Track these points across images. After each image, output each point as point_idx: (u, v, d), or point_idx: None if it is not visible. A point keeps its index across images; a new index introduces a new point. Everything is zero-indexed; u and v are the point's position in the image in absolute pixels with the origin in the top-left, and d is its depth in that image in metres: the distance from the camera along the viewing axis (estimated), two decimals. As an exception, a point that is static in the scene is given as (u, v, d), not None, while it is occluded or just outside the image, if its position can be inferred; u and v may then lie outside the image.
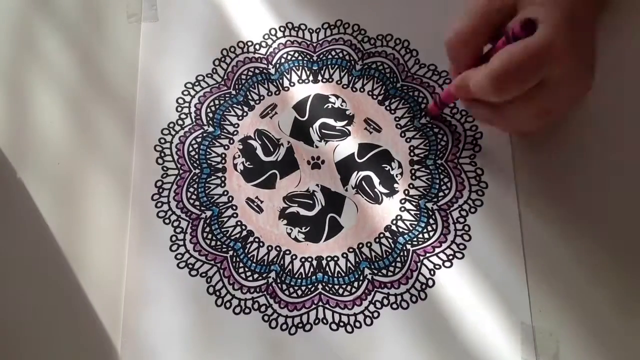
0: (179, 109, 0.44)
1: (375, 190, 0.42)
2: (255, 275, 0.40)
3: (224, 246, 0.41)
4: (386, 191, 0.42)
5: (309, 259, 0.40)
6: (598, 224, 0.40)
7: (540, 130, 0.41)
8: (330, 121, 0.44)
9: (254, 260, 0.41)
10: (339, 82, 0.45)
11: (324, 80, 0.45)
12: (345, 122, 0.44)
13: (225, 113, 0.44)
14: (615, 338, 0.38)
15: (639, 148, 0.41)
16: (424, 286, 0.39)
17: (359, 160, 0.43)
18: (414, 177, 0.42)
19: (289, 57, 0.45)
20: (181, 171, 0.43)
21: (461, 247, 0.40)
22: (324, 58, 0.45)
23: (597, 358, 0.38)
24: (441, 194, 0.41)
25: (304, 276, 0.40)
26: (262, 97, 0.44)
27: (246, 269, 0.40)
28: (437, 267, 0.40)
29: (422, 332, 0.38)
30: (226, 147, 0.43)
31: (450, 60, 0.38)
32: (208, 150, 0.43)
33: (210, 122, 0.44)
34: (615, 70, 0.42)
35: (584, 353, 0.38)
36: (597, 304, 0.38)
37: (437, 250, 0.40)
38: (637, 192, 0.40)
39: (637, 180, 0.40)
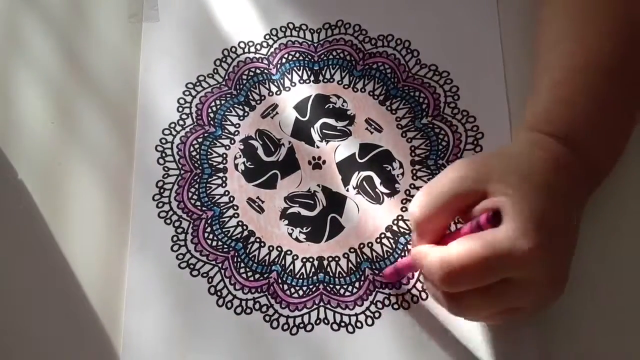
0: (180, 109, 0.44)
1: (377, 190, 0.42)
2: (257, 276, 0.40)
3: (225, 246, 0.41)
4: (387, 191, 0.42)
5: (310, 259, 0.40)
6: (599, 220, 0.40)
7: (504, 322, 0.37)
8: (331, 121, 0.44)
9: (255, 261, 0.41)
10: (340, 82, 0.45)
11: (325, 80, 0.45)
12: (346, 122, 0.44)
13: (226, 113, 0.44)
14: (616, 336, 0.38)
15: None
16: (425, 286, 0.39)
17: (360, 161, 0.43)
18: (415, 178, 0.42)
19: (290, 57, 0.45)
20: (182, 171, 0.43)
21: (462, 247, 0.40)
22: (325, 58, 0.45)
23: (597, 356, 0.38)
24: (442, 194, 0.41)
25: (305, 276, 0.40)
26: (263, 97, 0.44)
27: (247, 269, 0.40)
28: (439, 267, 0.40)
29: (423, 332, 0.38)
30: (227, 147, 0.43)
31: (412, 229, 0.36)
32: (209, 150, 0.43)
33: (212, 122, 0.44)
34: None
35: (584, 352, 0.38)
36: (598, 302, 0.38)
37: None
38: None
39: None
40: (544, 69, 0.39)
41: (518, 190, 0.32)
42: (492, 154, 0.36)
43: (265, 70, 0.45)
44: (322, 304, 0.39)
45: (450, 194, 0.34)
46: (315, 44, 0.46)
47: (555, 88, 0.37)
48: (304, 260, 0.40)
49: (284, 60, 0.45)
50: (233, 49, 0.46)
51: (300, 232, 0.41)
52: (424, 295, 0.39)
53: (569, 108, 0.36)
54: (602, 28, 0.38)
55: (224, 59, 0.45)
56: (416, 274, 0.39)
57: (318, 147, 0.43)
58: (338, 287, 0.40)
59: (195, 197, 0.42)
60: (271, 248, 0.41)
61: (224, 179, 0.43)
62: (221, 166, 0.43)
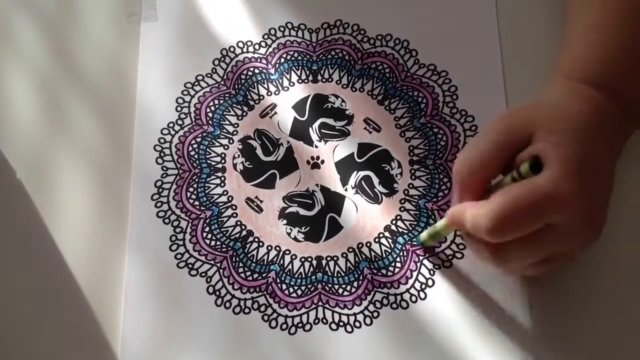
0: (179, 108, 0.44)
1: (375, 190, 0.42)
2: (255, 275, 0.40)
3: (223, 246, 0.41)
4: (386, 191, 0.42)
5: (309, 259, 0.41)
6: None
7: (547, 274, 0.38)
8: (330, 121, 0.44)
9: (254, 260, 0.41)
10: (338, 82, 0.45)
11: (324, 80, 0.45)
12: (345, 122, 0.44)
13: (224, 113, 0.44)
14: (616, 336, 0.38)
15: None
16: (423, 286, 0.39)
17: (359, 160, 0.43)
18: (413, 177, 0.42)
19: (289, 57, 0.45)
20: (181, 171, 0.43)
21: (461, 247, 0.40)
22: (324, 58, 0.45)
23: (595, 351, 0.38)
24: (441, 194, 0.41)
25: (303, 276, 0.40)
26: (261, 97, 0.44)
27: (246, 269, 0.40)
28: (437, 267, 0.40)
29: (421, 332, 0.38)
30: (226, 147, 0.43)
31: (455, 184, 0.36)
32: (208, 150, 0.43)
33: (210, 121, 0.44)
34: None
35: (585, 352, 0.38)
36: (598, 302, 0.38)
37: (436, 250, 0.40)
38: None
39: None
40: (577, 14, 0.39)
41: (558, 137, 0.32)
42: (534, 104, 0.36)
43: (264, 70, 0.45)
44: (320, 303, 0.39)
45: (497, 146, 0.34)
46: (314, 44, 0.46)
47: (589, 33, 0.37)
48: (303, 259, 0.40)
49: (282, 60, 0.45)
50: (231, 49, 0.46)
51: (298, 231, 0.41)
52: (422, 295, 0.39)
53: (603, 53, 0.37)
54: None
55: (222, 59, 0.45)
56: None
57: (317, 146, 0.43)
58: (336, 286, 0.40)
59: (193, 196, 0.42)
60: (270, 248, 0.41)
61: (222, 178, 0.43)
62: (220, 166, 0.43)
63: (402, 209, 0.41)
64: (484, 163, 0.34)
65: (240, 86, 0.45)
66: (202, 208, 0.42)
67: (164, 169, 0.43)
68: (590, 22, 0.38)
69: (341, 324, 0.39)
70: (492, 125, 0.35)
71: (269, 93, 0.44)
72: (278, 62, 0.45)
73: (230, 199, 0.42)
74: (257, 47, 0.46)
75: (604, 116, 0.35)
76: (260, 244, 0.41)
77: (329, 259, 0.40)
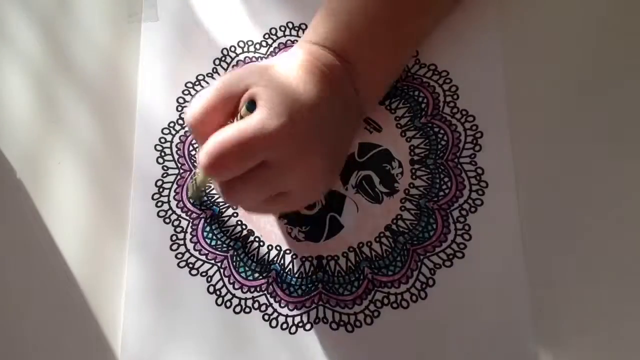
0: (180, 108, 0.44)
1: (376, 189, 0.42)
2: (256, 275, 0.40)
3: (224, 245, 0.41)
4: (386, 190, 0.42)
5: (309, 259, 0.40)
6: (599, 220, 0.40)
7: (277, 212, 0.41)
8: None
9: (254, 260, 0.41)
10: (339, 81, 0.45)
11: (324, 80, 0.45)
12: (346, 121, 0.44)
13: (225, 112, 0.44)
14: (616, 336, 0.38)
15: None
16: (424, 285, 0.39)
17: (359, 160, 0.43)
18: (414, 177, 0.42)
19: (289, 56, 0.45)
20: (181, 170, 0.43)
21: (461, 246, 0.40)
22: (324, 58, 0.45)
23: (595, 352, 0.38)
24: (441, 193, 0.41)
25: (304, 275, 0.40)
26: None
27: (246, 269, 0.40)
28: (438, 266, 0.40)
29: (422, 331, 0.38)
30: (226, 147, 0.43)
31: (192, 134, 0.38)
32: (208, 149, 0.43)
33: (211, 121, 0.44)
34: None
35: (585, 351, 0.38)
36: (598, 302, 0.38)
37: (437, 249, 0.40)
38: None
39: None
40: None
41: (271, 81, 0.35)
42: (263, 62, 0.38)
43: (265, 70, 0.45)
44: (321, 303, 0.39)
45: (218, 92, 0.36)
46: (315, 44, 0.46)
47: (328, 3, 0.40)
48: (303, 259, 0.40)
49: (283, 60, 0.45)
50: (232, 49, 0.46)
51: (299, 231, 0.41)
52: (423, 294, 0.39)
53: (333, 20, 0.39)
54: None
55: (223, 59, 0.45)
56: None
57: (317, 146, 0.43)
58: (337, 286, 0.40)
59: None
60: (270, 247, 0.41)
61: (223, 178, 0.43)
62: (220, 165, 0.43)
63: (403, 208, 0.41)
64: (208, 110, 0.35)
65: (241, 86, 0.45)
66: (202, 207, 0.42)
67: (165, 168, 0.43)
68: None
69: (342, 323, 0.39)
70: (219, 79, 0.37)
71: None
72: (279, 61, 0.45)
73: (230, 198, 0.42)
74: (257, 46, 0.46)
75: (324, 67, 0.37)
76: (261, 243, 0.41)
77: (329, 258, 0.40)
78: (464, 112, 0.43)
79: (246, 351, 0.39)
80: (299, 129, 0.34)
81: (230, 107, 0.36)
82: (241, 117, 0.35)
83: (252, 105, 0.34)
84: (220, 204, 0.42)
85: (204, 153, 0.33)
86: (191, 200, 0.42)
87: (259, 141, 0.33)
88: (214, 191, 0.42)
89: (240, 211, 0.42)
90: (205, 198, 0.42)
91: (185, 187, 0.42)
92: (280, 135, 0.33)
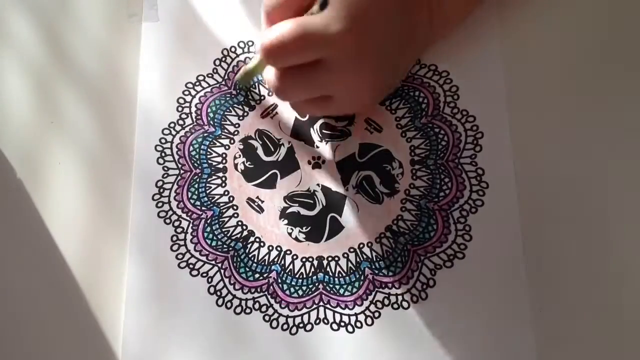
0: (180, 108, 0.44)
1: (376, 190, 0.42)
2: (256, 275, 0.40)
3: (224, 246, 0.41)
4: (387, 191, 0.42)
5: (310, 259, 0.41)
6: (600, 220, 0.40)
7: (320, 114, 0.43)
8: (331, 121, 0.44)
9: (255, 260, 0.41)
10: (339, 82, 0.45)
11: (325, 80, 0.45)
12: (346, 122, 0.44)
13: (226, 113, 0.44)
14: (616, 336, 0.38)
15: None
16: (424, 286, 0.39)
17: (360, 160, 0.43)
18: (414, 177, 0.42)
19: (290, 57, 0.45)
20: (182, 171, 0.43)
21: (462, 247, 0.40)
22: (325, 58, 0.45)
23: (595, 352, 0.38)
24: (442, 194, 0.41)
25: (304, 276, 0.40)
26: (262, 97, 0.44)
27: (247, 269, 0.40)
28: (438, 267, 0.40)
29: (422, 332, 0.38)
30: (227, 147, 0.43)
31: (263, 16, 0.38)
32: (209, 150, 0.43)
33: (211, 122, 0.44)
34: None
35: (585, 351, 0.38)
36: (598, 303, 0.38)
37: (437, 250, 0.40)
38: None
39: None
40: None
41: None
42: None
43: (265, 70, 0.45)
44: (321, 303, 0.39)
45: None
46: (315, 44, 0.46)
47: None
48: (304, 260, 0.40)
49: (283, 60, 0.45)
50: (233, 49, 0.45)
51: (299, 231, 0.41)
52: (423, 295, 0.39)
53: None
54: None
55: (223, 59, 0.45)
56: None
57: (318, 147, 0.43)
58: (338, 286, 0.40)
59: (194, 196, 0.42)
60: (271, 248, 0.41)
61: (223, 178, 0.43)
62: (221, 166, 0.43)
63: (404, 208, 0.41)
64: (286, 3, 0.36)
65: (241, 86, 0.45)
66: (203, 208, 0.42)
67: (165, 169, 0.43)
68: None
69: (342, 324, 0.39)
70: None
71: (270, 93, 0.44)
72: (279, 62, 0.45)
73: (231, 199, 0.42)
74: (258, 46, 0.46)
75: None
76: (262, 244, 0.41)
77: (330, 259, 0.40)
78: (464, 113, 0.43)
79: (247, 352, 0.39)
80: (358, 40, 0.35)
81: (307, 1, 0.36)
82: (311, 14, 0.35)
83: (325, 4, 0.35)
84: (221, 204, 0.42)
85: (266, 37, 0.34)
86: (238, 85, 0.43)
87: (319, 39, 0.34)
88: (213, 192, 0.42)
89: (241, 211, 0.42)
90: (206, 198, 0.42)
91: (185, 187, 0.42)
92: (340, 39, 0.34)
